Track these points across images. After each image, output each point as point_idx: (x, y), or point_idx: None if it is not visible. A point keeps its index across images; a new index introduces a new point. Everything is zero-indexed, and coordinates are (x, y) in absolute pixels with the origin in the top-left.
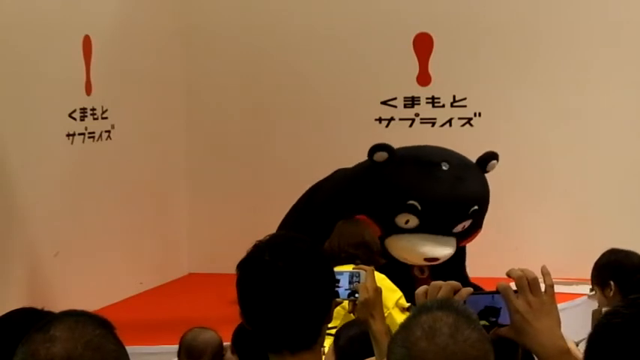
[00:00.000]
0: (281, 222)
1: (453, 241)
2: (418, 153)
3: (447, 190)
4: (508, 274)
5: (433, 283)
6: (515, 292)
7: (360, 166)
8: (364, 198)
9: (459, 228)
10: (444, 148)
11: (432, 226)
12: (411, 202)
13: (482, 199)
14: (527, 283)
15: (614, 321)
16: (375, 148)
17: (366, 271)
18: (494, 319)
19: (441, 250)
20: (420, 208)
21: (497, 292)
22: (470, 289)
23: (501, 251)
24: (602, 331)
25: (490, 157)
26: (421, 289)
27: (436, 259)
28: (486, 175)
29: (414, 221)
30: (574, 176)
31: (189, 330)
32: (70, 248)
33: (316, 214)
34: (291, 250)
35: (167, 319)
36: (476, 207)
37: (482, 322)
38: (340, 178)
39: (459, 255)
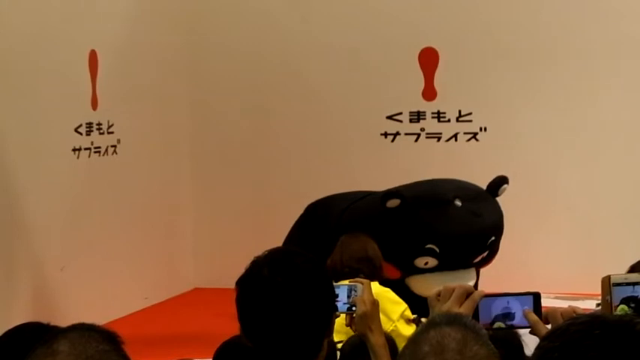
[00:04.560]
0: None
1: (473, 271)
2: (429, 192)
3: (463, 228)
4: (545, 317)
5: (446, 286)
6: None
7: (370, 210)
8: (381, 244)
9: (477, 259)
10: (452, 180)
11: (452, 263)
12: (429, 245)
13: (498, 228)
14: (560, 315)
15: (553, 356)
16: (387, 196)
17: (363, 284)
18: (510, 323)
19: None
20: (438, 250)
21: (514, 294)
22: (482, 292)
23: (508, 266)
24: None
25: (500, 181)
26: (434, 291)
27: None
28: None
29: (433, 262)
30: (580, 191)
31: None
32: (76, 263)
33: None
34: (290, 266)
35: (172, 334)
36: (493, 238)
37: (499, 325)
38: (351, 221)
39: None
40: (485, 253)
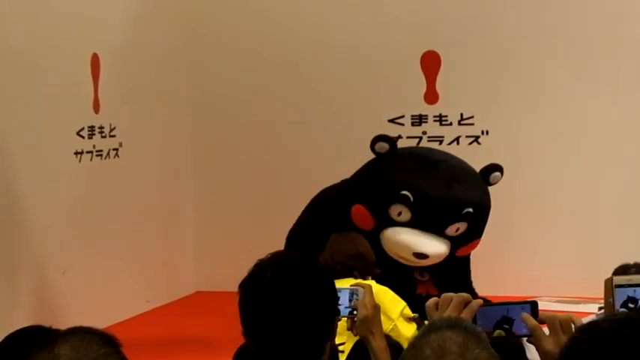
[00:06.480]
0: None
1: (445, 242)
2: (420, 151)
3: (440, 186)
4: (542, 321)
5: (444, 295)
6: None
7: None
8: (361, 187)
9: (452, 230)
10: (451, 154)
11: (424, 222)
12: (404, 192)
13: (478, 203)
14: (559, 323)
15: (581, 347)
16: (377, 139)
17: (364, 288)
18: (507, 327)
19: (431, 247)
20: (412, 199)
21: (511, 303)
22: (480, 301)
23: (509, 270)
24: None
25: (493, 168)
26: (432, 300)
27: (425, 255)
28: (494, 192)
29: (406, 214)
30: (582, 195)
31: None
32: (78, 266)
33: (323, 208)
34: (293, 268)
35: (174, 337)
36: (470, 209)
37: (498, 332)
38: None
39: (462, 264)
40: (462, 227)
